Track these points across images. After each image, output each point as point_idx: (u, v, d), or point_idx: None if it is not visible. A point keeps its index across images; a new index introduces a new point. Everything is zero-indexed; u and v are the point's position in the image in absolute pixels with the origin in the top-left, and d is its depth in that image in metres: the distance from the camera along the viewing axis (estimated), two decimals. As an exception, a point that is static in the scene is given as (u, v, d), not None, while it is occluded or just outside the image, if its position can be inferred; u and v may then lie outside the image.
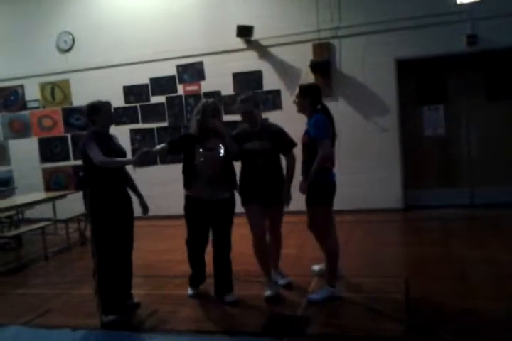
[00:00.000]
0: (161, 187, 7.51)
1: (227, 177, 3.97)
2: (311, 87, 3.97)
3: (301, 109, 3.92)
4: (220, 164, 3.89)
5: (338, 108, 7.36)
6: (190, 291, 4.19)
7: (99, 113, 3.76)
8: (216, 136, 3.95)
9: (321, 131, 3.69)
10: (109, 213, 3.71)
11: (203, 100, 4.11)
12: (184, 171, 3.99)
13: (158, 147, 4.08)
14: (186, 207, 4.01)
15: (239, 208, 4.03)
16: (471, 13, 6.64)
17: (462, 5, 6.54)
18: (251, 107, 3.94)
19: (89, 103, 3.85)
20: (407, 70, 7.23)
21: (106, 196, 3.73)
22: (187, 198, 4.00)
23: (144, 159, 3.69)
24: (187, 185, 3.97)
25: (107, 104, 3.89)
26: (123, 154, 3.91)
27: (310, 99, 3.84)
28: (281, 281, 4.19)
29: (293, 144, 4.05)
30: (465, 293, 3.79)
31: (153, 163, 8.21)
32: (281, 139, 4.01)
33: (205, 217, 3.96)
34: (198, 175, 3.87)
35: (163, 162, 8.04)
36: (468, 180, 7.26)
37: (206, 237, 4.08)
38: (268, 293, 3.91)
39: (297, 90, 3.96)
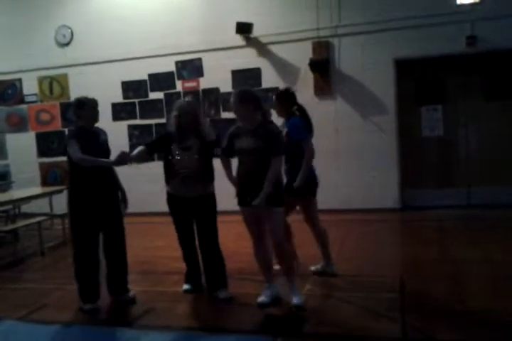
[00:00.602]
0: (157, 183, 7.47)
1: (205, 175, 3.96)
2: (285, 93, 4.39)
3: (280, 113, 4.33)
4: (195, 163, 3.88)
5: (337, 107, 7.39)
6: (184, 286, 4.20)
7: (83, 108, 3.84)
8: (195, 136, 3.96)
9: (300, 132, 4.10)
10: (86, 209, 3.79)
11: (180, 100, 4.10)
12: (164, 168, 4.06)
13: (136, 151, 4.01)
14: (168, 203, 4.10)
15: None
16: (471, 14, 6.65)
17: (462, 6, 6.55)
18: (235, 105, 3.61)
19: (76, 98, 3.96)
20: (406, 70, 7.23)
21: (84, 192, 3.80)
22: (167, 194, 4.09)
23: (122, 160, 3.72)
24: (166, 181, 4.05)
25: (93, 101, 3.91)
26: (106, 152, 3.93)
27: (286, 104, 4.27)
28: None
29: (279, 151, 3.57)
30: (461, 293, 3.80)
31: (151, 159, 8.19)
32: (269, 141, 3.53)
33: (185, 212, 4.02)
34: (174, 172, 3.93)
35: (161, 158, 8.03)
36: (465, 180, 7.28)
37: (191, 233, 4.10)
38: (261, 299, 3.76)
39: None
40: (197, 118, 3.99)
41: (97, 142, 3.87)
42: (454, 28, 6.80)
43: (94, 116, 3.90)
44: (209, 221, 4.03)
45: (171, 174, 3.98)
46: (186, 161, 3.88)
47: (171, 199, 4.07)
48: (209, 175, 4.00)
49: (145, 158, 4.22)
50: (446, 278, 4.14)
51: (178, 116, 3.96)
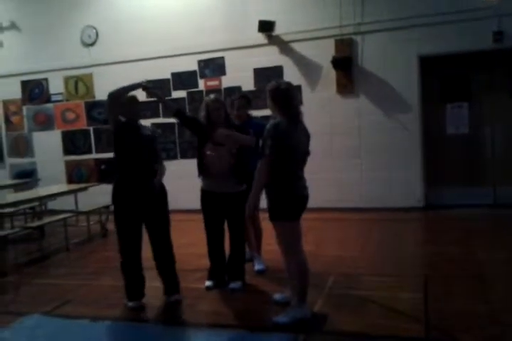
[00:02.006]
0: (180, 181, 7.54)
1: (236, 172, 3.99)
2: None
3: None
4: (226, 160, 3.92)
5: (359, 105, 7.33)
6: (207, 283, 4.24)
7: (123, 105, 3.92)
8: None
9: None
10: (126, 204, 3.85)
11: (206, 98, 4.18)
12: (197, 162, 4.10)
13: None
14: (200, 199, 4.17)
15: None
16: (498, 9, 6.51)
17: (489, 1, 6.41)
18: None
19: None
20: (431, 67, 7.13)
21: (125, 188, 3.87)
22: (201, 190, 4.16)
23: (141, 83, 3.92)
24: (200, 176, 4.12)
25: (131, 98, 3.99)
26: (147, 147, 3.98)
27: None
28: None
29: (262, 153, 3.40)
30: (486, 294, 3.74)
31: (174, 157, 8.29)
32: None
33: (216, 209, 4.08)
34: (206, 167, 3.99)
35: (183, 156, 8.13)
36: (491, 179, 7.15)
37: (220, 229, 4.17)
38: (277, 296, 3.82)
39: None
40: (226, 114, 4.05)
41: (139, 136, 3.95)
42: (480, 23, 6.66)
43: (133, 111, 4.00)
44: (236, 219, 4.09)
45: (202, 169, 4.04)
46: (217, 157, 3.92)
47: (202, 194, 4.14)
48: (241, 173, 4.02)
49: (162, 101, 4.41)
50: (470, 279, 4.08)
51: (208, 114, 4.00)
